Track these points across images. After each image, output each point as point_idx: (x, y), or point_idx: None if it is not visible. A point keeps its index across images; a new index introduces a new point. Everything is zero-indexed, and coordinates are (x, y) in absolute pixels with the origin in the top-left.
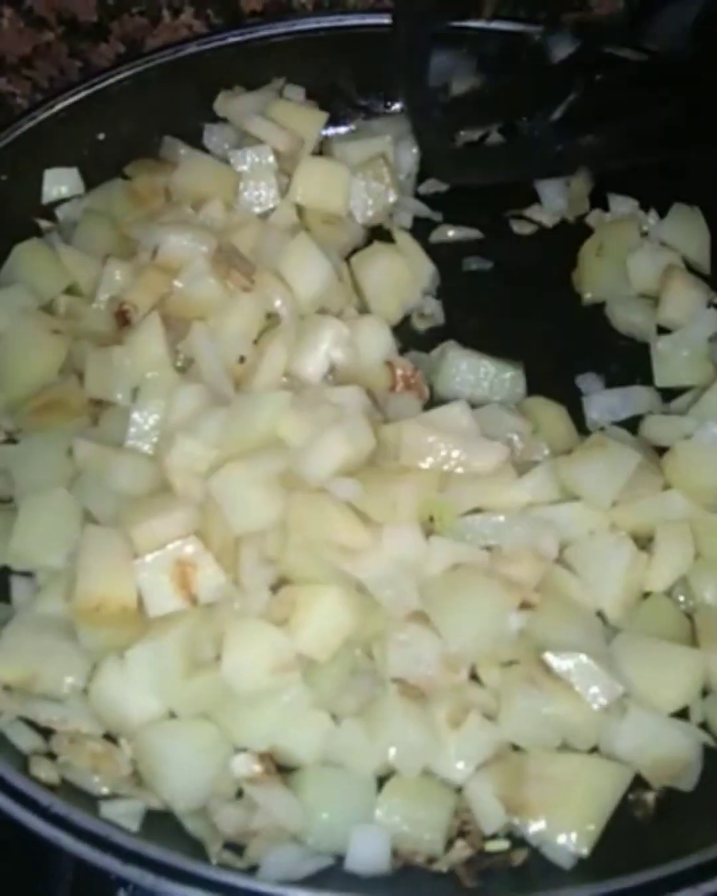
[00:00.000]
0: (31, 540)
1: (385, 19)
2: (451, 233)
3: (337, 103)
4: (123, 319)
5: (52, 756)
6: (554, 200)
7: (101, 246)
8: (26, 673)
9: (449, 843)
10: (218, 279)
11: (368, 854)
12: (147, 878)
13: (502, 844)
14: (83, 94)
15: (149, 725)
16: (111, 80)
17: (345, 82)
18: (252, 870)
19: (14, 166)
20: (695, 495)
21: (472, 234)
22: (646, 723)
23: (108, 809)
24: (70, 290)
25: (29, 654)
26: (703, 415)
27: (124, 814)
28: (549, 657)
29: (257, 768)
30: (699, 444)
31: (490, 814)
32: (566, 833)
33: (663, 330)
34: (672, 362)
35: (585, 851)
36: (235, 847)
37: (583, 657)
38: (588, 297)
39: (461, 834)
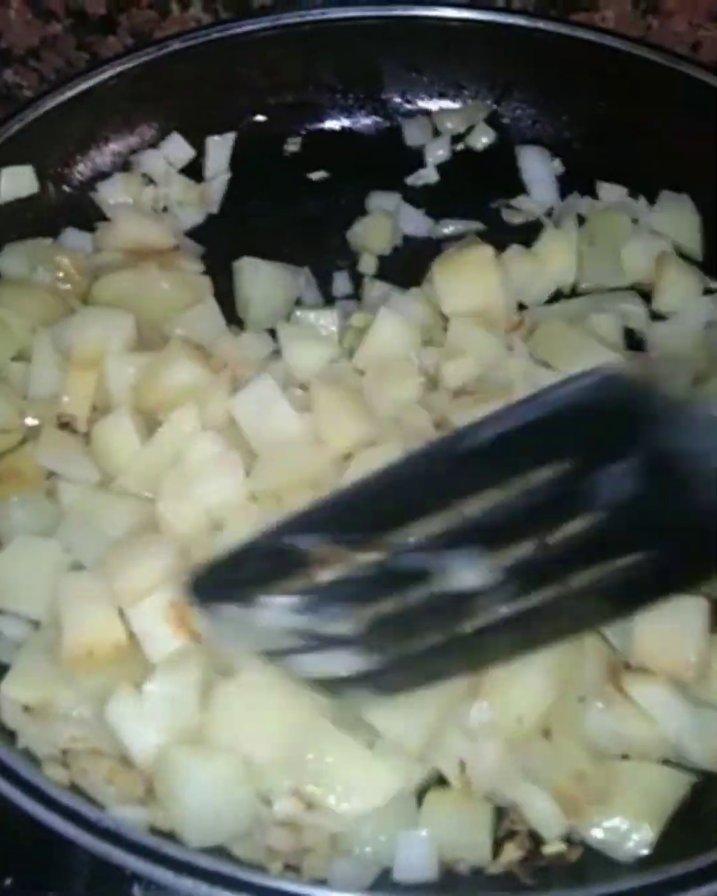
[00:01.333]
0: (9, 589)
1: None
2: (450, 228)
3: (323, 96)
4: (70, 430)
5: (65, 765)
6: (543, 191)
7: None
8: (43, 696)
9: (498, 846)
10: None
11: (414, 861)
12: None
13: (558, 847)
14: (83, 86)
15: (168, 761)
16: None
17: (331, 75)
18: None
19: (20, 157)
20: None
21: (473, 226)
22: (712, 724)
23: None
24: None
25: (45, 678)
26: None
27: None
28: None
29: (299, 806)
30: None
31: (549, 821)
32: (628, 836)
33: (658, 317)
34: (669, 350)
35: (646, 851)
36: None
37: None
38: (583, 286)
39: (510, 835)
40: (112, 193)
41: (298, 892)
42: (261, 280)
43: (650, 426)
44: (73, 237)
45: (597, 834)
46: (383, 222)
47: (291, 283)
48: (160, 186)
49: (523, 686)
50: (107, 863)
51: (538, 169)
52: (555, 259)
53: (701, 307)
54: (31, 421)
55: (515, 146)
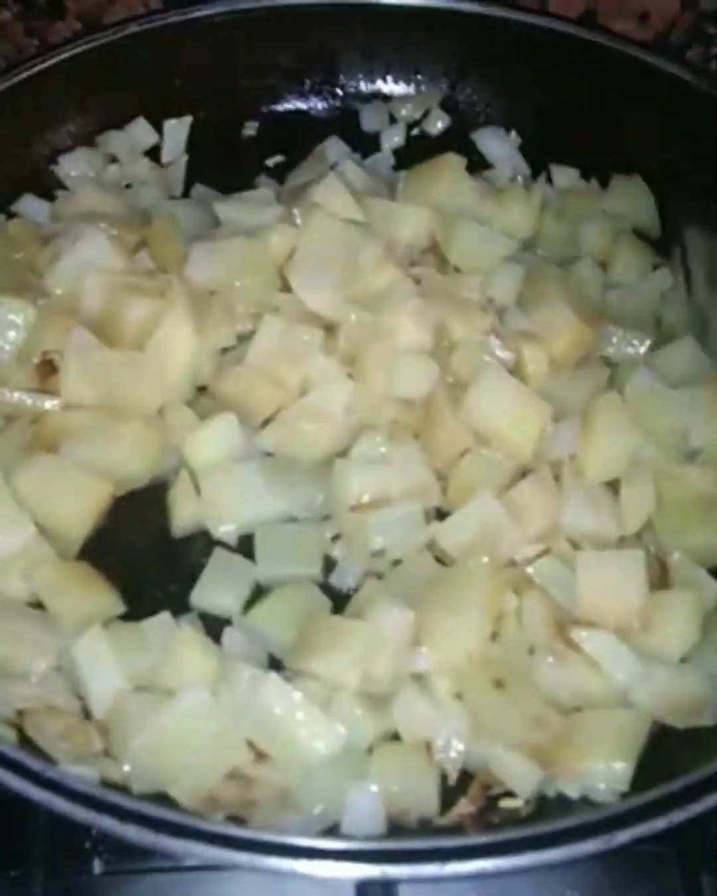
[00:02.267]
0: None
1: None
2: None
3: (279, 81)
4: (49, 369)
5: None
6: (509, 163)
7: None
8: (4, 652)
9: (448, 803)
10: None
11: (363, 815)
12: (146, 835)
13: (515, 802)
14: (35, 69)
15: (125, 707)
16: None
17: (288, 60)
18: None
19: None
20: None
21: None
22: (658, 673)
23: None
24: None
25: (7, 634)
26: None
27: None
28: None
29: (248, 757)
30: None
31: (523, 775)
32: (605, 777)
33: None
34: (621, 316)
35: (625, 788)
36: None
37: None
38: (540, 252)
39: (462, 789)
40: (74, 166)
41: (242, 837)
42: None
43: None
44: (30, 204)
45: (573, 784)
46: None
47: None
48: (125, 166)
49: (456, 624)
50: (67, 839)
51: (498, 146)
52: (515, 209)
53: (655, 280)
54: None
55: (469, 131)
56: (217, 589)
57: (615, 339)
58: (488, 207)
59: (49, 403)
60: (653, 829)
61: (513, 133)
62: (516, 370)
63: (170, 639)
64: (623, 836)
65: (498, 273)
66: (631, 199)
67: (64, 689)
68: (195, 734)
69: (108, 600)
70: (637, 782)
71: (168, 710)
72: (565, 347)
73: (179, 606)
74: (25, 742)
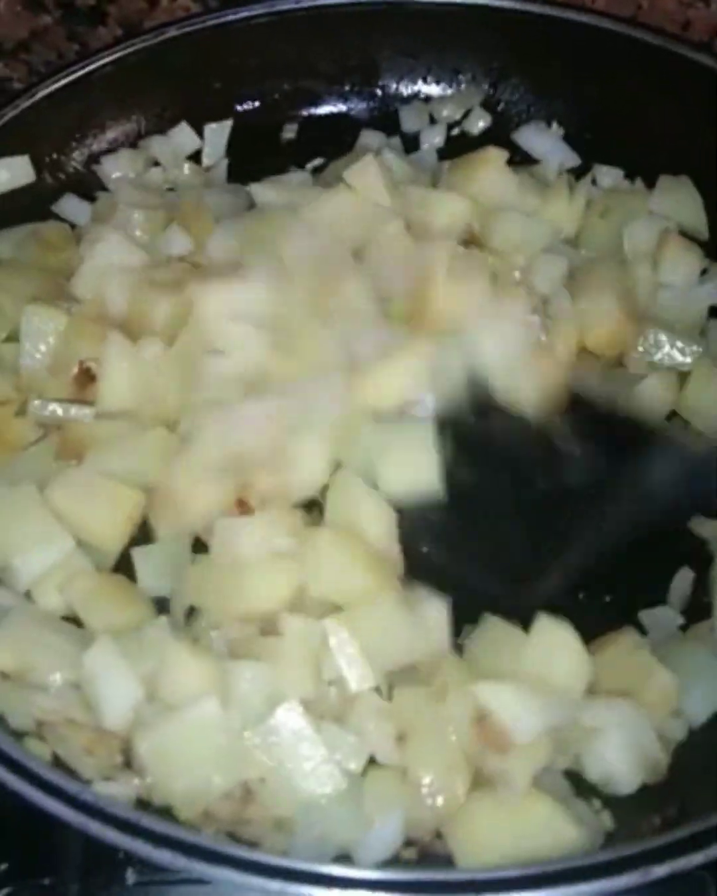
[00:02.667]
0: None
1: None
2: None
3: (319, 83)
4: (86, 378)
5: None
6: (556, 156)
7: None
8: (21, 662)
9: None
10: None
11: (383, 840)
12: (179, 860)
13: None
14: (77, 74)
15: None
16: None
17: (327, 62)
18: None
19: (15, 147)
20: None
21: None
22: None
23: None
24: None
25: (25, 644)
26: None
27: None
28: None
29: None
30: None
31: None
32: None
33: None
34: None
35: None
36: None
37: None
38: (583, 254)
39: None
40: (116, 167)
41: (274, 865)
42: None
43: None
44: (71, 205)
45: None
46: None
47: None
48: (167, 170)
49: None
50: (100, 848)
51: (542, 141)
52: (559, 205)
53: (707, 288)
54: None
55: (511, 131)
56: None
57: (665, 346)
58: (530, 202)
59: (85, 411)
60: (691, 864)
61: (555, 125)
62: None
63: (166, 646)
64: (661, 871)
65: (541, 262)
66: (679, 200)
67: (80, 704)
68: (202, 746)
69: (144, 612)
70: (678, 812)
71: (175, 720)
72: (601, 339)
73: None
74: (55, 759)
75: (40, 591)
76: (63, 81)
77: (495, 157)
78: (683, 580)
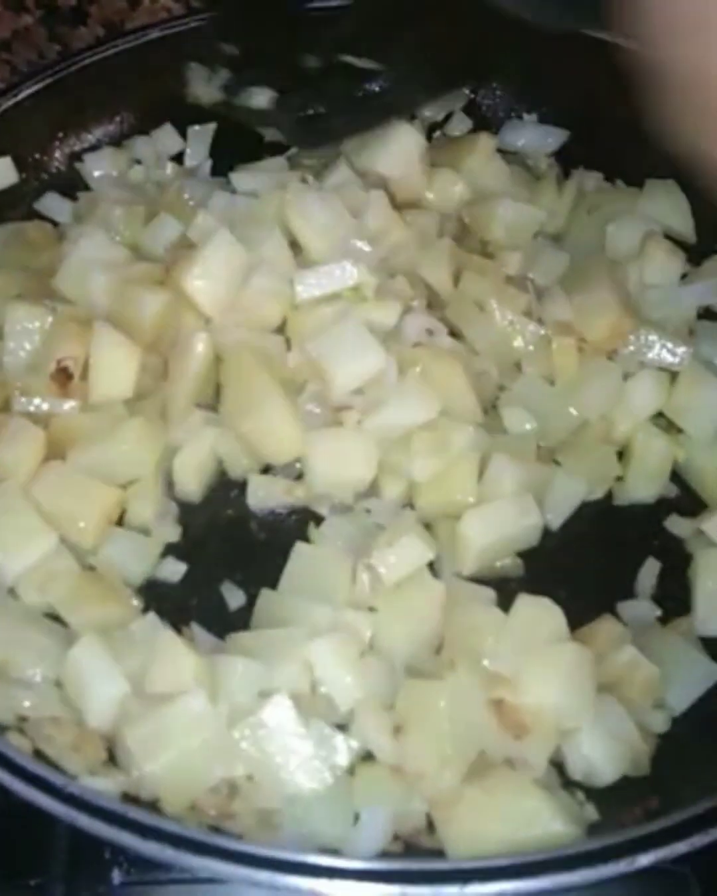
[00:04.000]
0: None
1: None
2: None
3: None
4: (64, 376)
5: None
6: (537, 139)
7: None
8: (2, 658)
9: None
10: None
11: (372, 835)
12: (166, 852)
13: None
14: (60, 74)
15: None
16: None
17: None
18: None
19: None
20: None
21: None
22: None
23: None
24: None
25: (6, 640)
26: None
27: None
28: None
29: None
30: None
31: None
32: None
33: None
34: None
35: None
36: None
37: None
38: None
39: None
40: (98, 166)
41: (263, 856)
42: None
43: None
44: (52, 202)
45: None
46: None
47: None
48: (150, 169)
49: None
50: (86, 848)
51: (525, 131)
52: (548, 198)
53: (694, 287)
54: None
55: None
56: None
57: (655, 346)
58: (521, 193)
59: (70, 404)
60: (675, 852)
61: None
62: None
63: (155, 641)
64: (646, 859)
65: (542, 255)
66: (665, 204)
67: (62, 700)
68: (189, 740)
69: (126, 610)
70: (660, 804)
71: (163, 714)
72: (602, 331)
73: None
74: (37, 754)
75: (24, 588)
76: (46, 81)
77: (485, 142)
78: (650, 571)
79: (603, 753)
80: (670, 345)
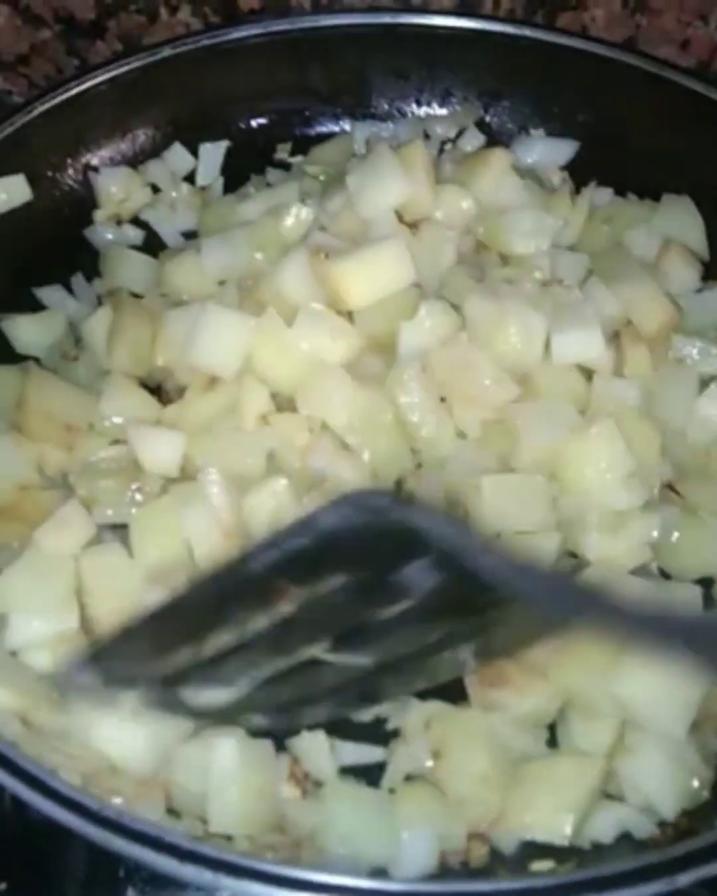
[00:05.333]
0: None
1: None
2: None
3: (312, 103)
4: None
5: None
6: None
7: None
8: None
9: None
10: None
11: (414, 858)
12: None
13: (546, 864)
14: (74, 91)
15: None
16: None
17: (320, 82)
18: None
19: (11, 163)
20: None
21: None
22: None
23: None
24: None
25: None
26: None
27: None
28: None
29: (297, 791)
30: None
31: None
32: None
33: None
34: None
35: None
36: None
37: None
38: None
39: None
40: (114, 181)
41: (298, 878)
42: None
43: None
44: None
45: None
46: None
47: None
48: (165, 192)
49: None
50: (101, 866)
51: (536, 146)
52: (563, 211)
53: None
54: None
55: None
56: None
57: (695, 351)
58: (535, 207)
59: None
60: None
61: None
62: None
63: None
64: (686, 879)
65: (562, 257)
66: (681, 219)
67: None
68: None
69: None
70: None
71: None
72: (658, 326)
73: None
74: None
75: (27, 653)
76: (61, 98)
77: (499, 157)
78: None
79: (663, 787)
80: (714, 350)
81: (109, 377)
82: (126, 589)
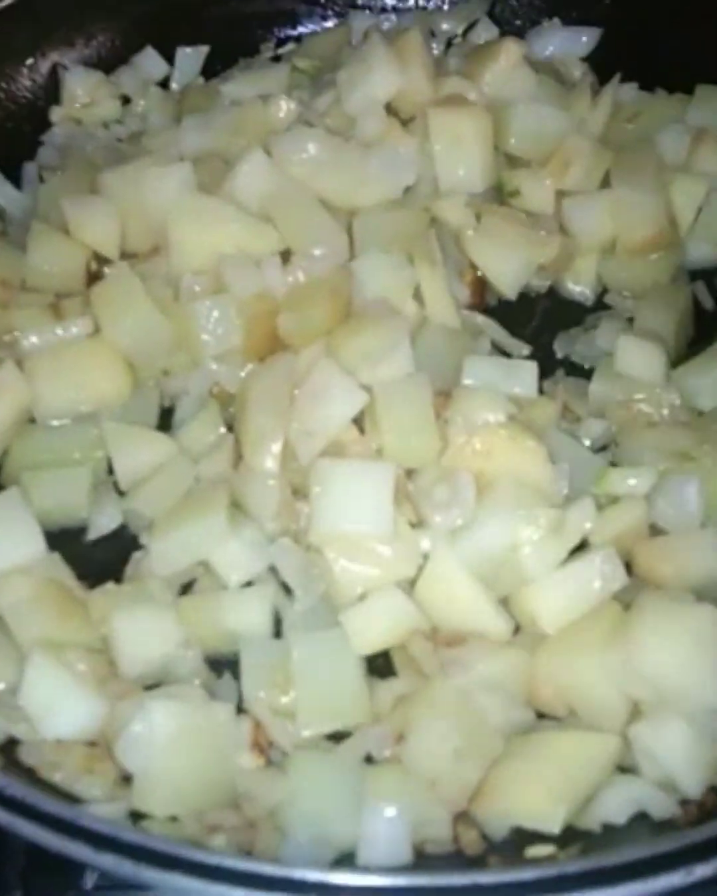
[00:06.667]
0: None
1: None
2: None
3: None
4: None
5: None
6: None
7: None
8: None
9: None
10: None
11: (382, 843)
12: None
13: (545, 849)
14: None
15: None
16: None
17: None
18: None
19: None
20: None
21: None
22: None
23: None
24: None
25: None
26: None
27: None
28: None
29: (259, 760)
30: None
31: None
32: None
33: None
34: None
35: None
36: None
37: None
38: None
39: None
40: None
41: (256, 873)
42: None
43: None
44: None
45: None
46: None
47: None
48: (135, 100)
49: None
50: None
51: (554, 37)
52: (583, 106)
53: None
54: None
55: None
56: None
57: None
58: (550, 103)
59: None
60: None
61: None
62: None
63: None
64: (706, 870)
65: (580, 155)
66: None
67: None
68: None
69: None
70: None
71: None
72: (641, 237)
73: None
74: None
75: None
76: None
77: (510, 48)
78: None
79: (688, 758)
80: None
81: (33, 230)
82: None
